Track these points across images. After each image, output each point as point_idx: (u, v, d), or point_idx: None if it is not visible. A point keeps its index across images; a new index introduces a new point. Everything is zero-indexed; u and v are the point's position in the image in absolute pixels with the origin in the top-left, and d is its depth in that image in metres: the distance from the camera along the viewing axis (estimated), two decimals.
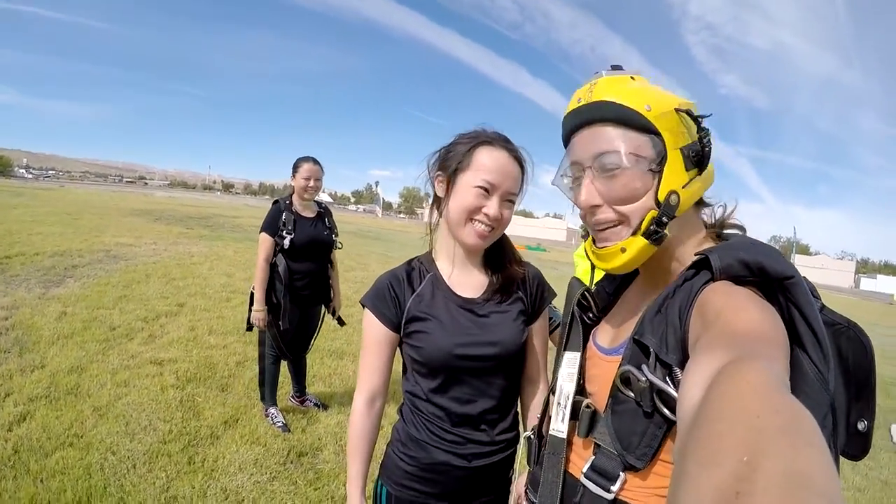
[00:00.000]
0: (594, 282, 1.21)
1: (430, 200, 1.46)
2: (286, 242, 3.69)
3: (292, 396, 4.19)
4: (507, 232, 1.48)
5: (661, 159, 0.90)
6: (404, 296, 1.39)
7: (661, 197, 0.90)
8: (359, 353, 1.44)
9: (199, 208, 30.13)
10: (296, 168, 3.81)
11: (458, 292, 1.41)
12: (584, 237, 1.12)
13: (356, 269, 12.55)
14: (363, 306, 1.42)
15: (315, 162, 3.84)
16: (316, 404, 4.18)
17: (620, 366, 0.90)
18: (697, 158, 0.90)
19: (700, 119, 0.90)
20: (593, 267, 1.11)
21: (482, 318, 1.39)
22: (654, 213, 0.90)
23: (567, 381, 1.07)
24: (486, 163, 1.31)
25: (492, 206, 1.31)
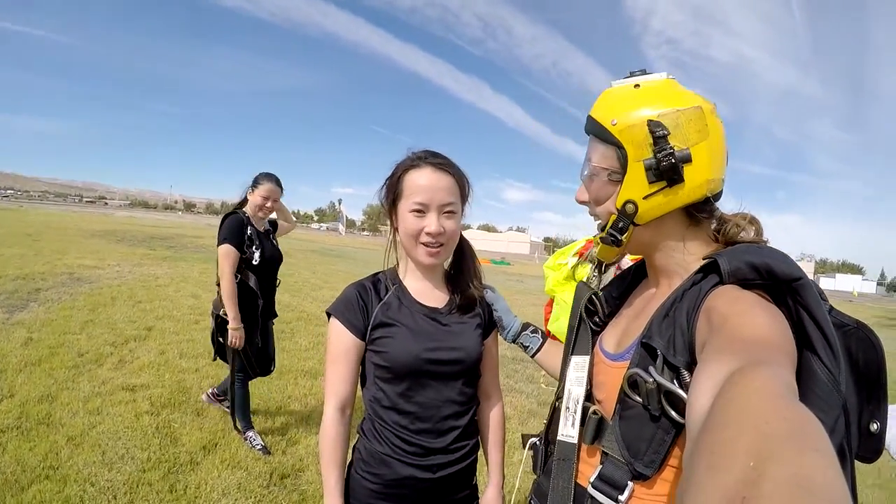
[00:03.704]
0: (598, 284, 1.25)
1: (391, 227, 1.51)
2: (256, 257, 3.51)
3: (213, 394, 4.11)
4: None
5: (625, 170, 0.95)
6: (371, 303, 1.42)
7: (618, 204, 0.97)
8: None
9: (161, 229, 29.45)
10: (256, 183, 3.61)
11: (423, 302, 1.46)
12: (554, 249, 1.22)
13: (323, 287, 12.42)
14: (329, 316, 1.44)
15: (277, 183, 3.66)
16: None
17: (628, 369, 0.90)
18: (658, 171, 0.91)
19: (661, 135, 0.90)
20: (600, 263, 1.21)
21: (445, 326, 1.44)
22: (613, 217, 1.00)
23: (576, 385, 1.07)
24: (414, 185, 1.37)
25: (431, 223, 1.35)
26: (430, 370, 1.38)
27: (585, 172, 1.05)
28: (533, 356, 1.49)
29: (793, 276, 0.77)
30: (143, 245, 17.89)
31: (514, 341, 1.52)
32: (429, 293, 1.48)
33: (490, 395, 1.59)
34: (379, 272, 1.53)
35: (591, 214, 1.09)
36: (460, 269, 1.54)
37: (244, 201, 3.67)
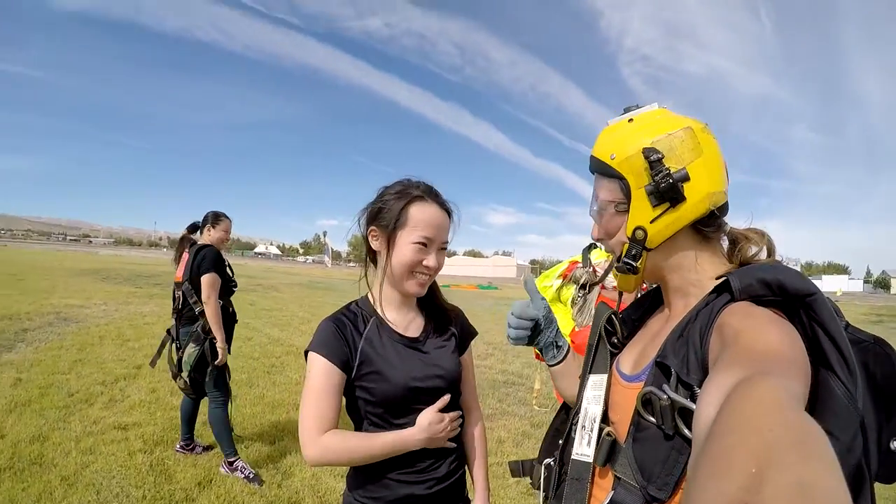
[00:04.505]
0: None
1: (365, 253, 1.50)
2: (234, 284, 4.05)
3: (183, 446, 4.05)
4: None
5: (629, 200, 0.98)
6: (353, 339, 1.39)
7: (629, 233, 0.99)
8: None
9: (146, 266, 29.14)
10: (217, 220, 4.04)
11: (402, 333, 1.45)
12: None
13: (311, 320, 12.32)
14: (306, 355, 1.37)
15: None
16: (205, 448, 4.11)
17: (642, 389, 0.88)
18: (660, 194, 0.92)
19: (655, 159, 0.92)
20: (584, 284, 1.19)
21: (426, 354, 1.45)
22: (626, 246, 1.01)
23: (593, 404, 1.05)
24: (422, 219, 1.37)
25: (431, 259, 1.39)
26: (415, 398, 1.39)
27: (594, 209, 1.07)
28: (552, 366, 1.32)
29: (806, 292, 0.76)
30: (129, 283, 17.73)
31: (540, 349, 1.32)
32: (406, 322, 1.48)
33: (470, 409, 1.60)
34: (351, 303, 1.51)
35: (608, 250, 1.10)
36: (432, 292, 1.54)
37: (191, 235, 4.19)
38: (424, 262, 1.37)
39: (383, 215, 1.40)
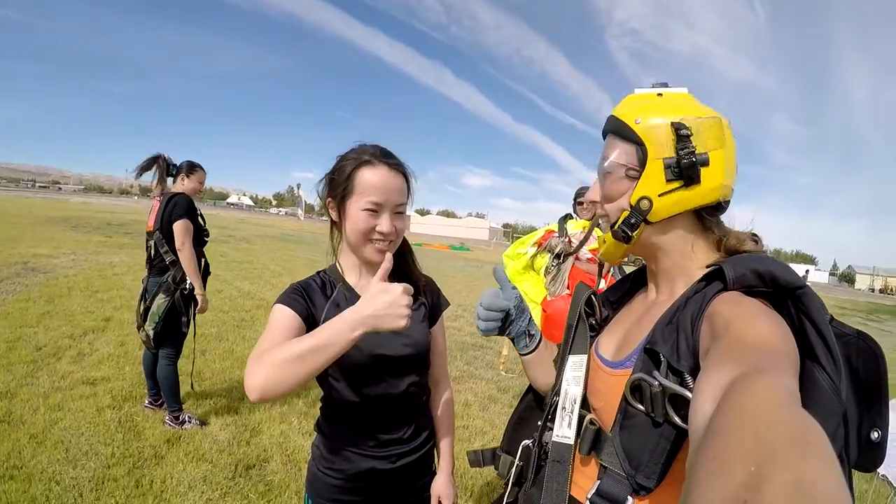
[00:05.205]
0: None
1: (330, 223, 1.47)
2: (206, 234, 3.98)
3: (153, 403, 4.03)
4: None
5: (643, 167, 0.96)
6: (320, 301, 1.38)
7: (633, 201, 0.97)
8: None
9: (117, 214, 28.31)
10: (192, 170, 3.99)
11: None
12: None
13: (283, 273, 12.25)
14: (273, 306, 1.31)
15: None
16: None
17: (631, 375, 0.88)
18: (678, 170, 0.92)
19: (684, 135, 0.91)
20: (559, 254, 1.18)
21: None
22: (626, 213, 0.99)
23: (573, 385, 1.04)
24: (369, 183, 1.32)
25: (384, 224, 1.33)
26: (382, 366, 1.37)
27: (604, 165, 1.03)
28: (524, 356, 1.27)
29: (796, 285, 0.78)
30: (99, 232, 17.30)
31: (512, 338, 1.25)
32: None
33: (439, 382, 1.60)
34: (320, 271, 1.49)
35: (600, 215, 1.08)
36: (402, 258, 1.50)
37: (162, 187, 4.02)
38: (377, 228, 1.33)
39: (335, 185, 1.37)
